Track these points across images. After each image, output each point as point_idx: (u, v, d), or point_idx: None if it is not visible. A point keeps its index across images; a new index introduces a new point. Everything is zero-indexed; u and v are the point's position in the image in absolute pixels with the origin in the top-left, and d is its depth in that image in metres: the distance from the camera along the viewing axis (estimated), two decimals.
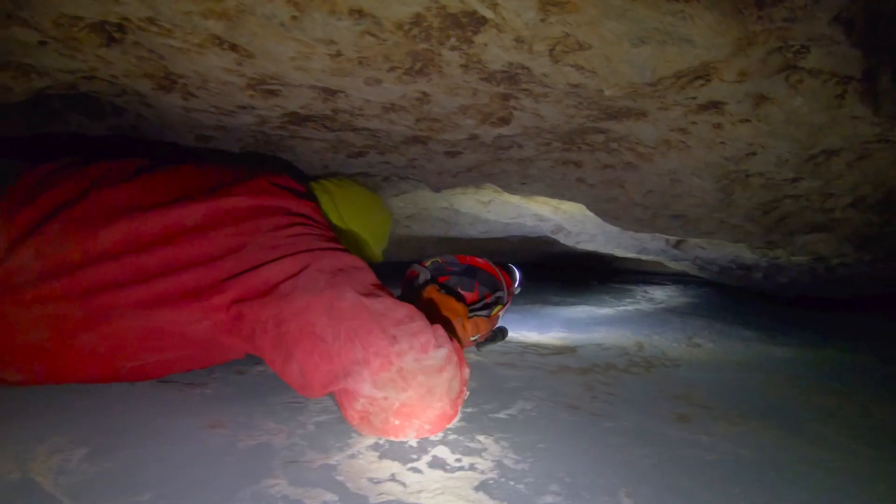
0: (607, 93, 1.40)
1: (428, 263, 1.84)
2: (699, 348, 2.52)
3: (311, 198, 1.58)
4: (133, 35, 1.26)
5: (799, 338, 2.96)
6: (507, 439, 1.33)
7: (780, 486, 1.20)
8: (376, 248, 1.82)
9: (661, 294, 4.47)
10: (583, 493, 1.10)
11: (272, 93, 1.53)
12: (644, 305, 3.90)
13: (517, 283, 1.95)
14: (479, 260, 1.87)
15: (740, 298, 4.25)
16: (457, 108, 1.59)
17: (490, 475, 1.15)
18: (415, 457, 1.20)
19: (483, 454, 1.24)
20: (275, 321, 1.19)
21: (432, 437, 1.29)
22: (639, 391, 1.78)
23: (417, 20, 1.19)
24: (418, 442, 1.26)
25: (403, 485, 1.08)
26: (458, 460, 1.20)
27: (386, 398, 1.16)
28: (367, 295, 1.21)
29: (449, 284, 1.82)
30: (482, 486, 1.10)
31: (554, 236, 3.84)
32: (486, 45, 1.26)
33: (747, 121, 1.56)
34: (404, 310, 1.22)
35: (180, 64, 1.37)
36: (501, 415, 1.49)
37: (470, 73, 1.38)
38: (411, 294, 1.71)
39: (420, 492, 1.06)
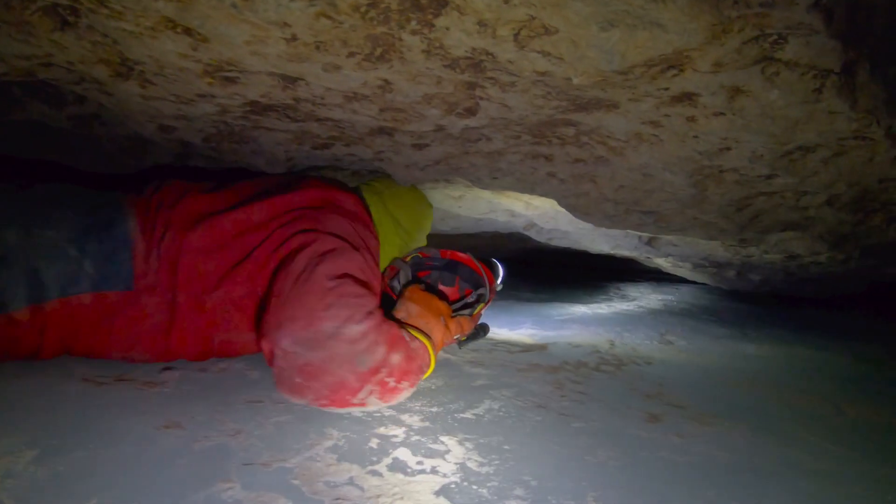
0: (575, 81, 1.34)
1: (409, 258, 1.84)
2: (671, 346, 2.51)
3: (356, 192, 1.84)
4: (86, 18, 1.23)
5: (771, 336, 2.97)
6: (471, 440, 1.29)
7: (754, 490, 1.17)
8: (420, 236, 2.14)
9: (634, 291, 4.48)
10: (549, 497, 1.07)
11: (230, 80, 1.48)
12: (617, 302, 3.90)
13: (500, 278, 1.93)
14: (462, 254, 1.84)
15: (713, 296, 4.26)
16: (421, 98, 1.53)
17: (452, 479, 1.12)
18: (375, 459, 1.16)
19: (446, 456, 1.21)
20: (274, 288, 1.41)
21: (394, 440, 1.25)
22: (609, 390, 1.75)
23: (374, 2, 1.13)
24: (379, 444, 1.22)
25: (361, 489, 1.05)
26: (420, 463, 1.17)
27: (295, 353, 1.26)
28: (332, 277, 1.36)
29: (429, 280, 1.81)
30: (443, 491, 1.07)
31: (526, 232, 3.82)
32: (447, 28, 1.20)
33: (721, 114, 1.51)
34: (355, 290, 1.36)
35: (135, 49, 1.33)
36: (467, 414, 1.45)
37: (432, 59, 1.33)
38: (391, 290, 1.77)
39: (378, 496, 1.03)
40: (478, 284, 1.81)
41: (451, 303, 1.75)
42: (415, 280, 1.76)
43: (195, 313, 1.53)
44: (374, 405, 1.34)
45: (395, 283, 1.76)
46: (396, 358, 1.34)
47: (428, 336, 1.51)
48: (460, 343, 1.78)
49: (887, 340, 3.05)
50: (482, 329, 1.83)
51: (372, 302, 1.37)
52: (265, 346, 1.34)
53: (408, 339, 1.42)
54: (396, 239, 1.98)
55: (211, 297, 1.53)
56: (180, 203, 1.60)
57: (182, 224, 1.55)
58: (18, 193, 1.53)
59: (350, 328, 1.27)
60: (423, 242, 2.17)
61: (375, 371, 1.30)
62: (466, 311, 1.76)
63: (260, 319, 1.44)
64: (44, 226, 1.46)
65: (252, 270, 1.53)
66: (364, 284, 1.42)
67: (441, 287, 1.81)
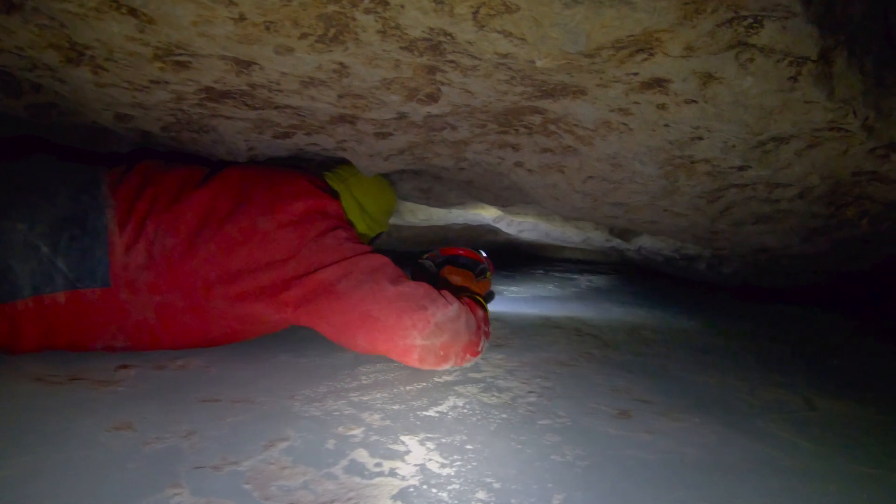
0: (539, 64, 1.28)
1: (424, 258, 2.26)
2: (641, 339, 2.48)
3: (334, 194, 1.97)
4: (31, 0, 1.20)
5: (740, 328, 2.96)
6: (433, 440, 1.26)
7: (726, 488, 1.14)
8: (384, 220, 2.33)
9: (604, 283, 4.47)
10: (512, 500, 1.04)
11: (182, 65, 1.43)
12: (587, 295, 3.88)
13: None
14: (459, 249, 2.29)
15: (684, 289, 4.26)
16: (379, 83, 1.47)
17: (411, 482, 1.08)
18: (331, 461, 1.13)
19: (406, 458, 1.17)
20: (339, 313, 1.60)
21: (353, 440, 1.22)
22: (577, 385, 1.72)
23: None
24: (336, 444, 1.19)
25: (315, 493, 1.00)
26: (378, 465, 1.13)
27: (432, 343, 1.63)
28: (396, 283, 1.66)
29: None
30: (401, 495, 1.03)
31: (496, 225, 3.80)
32: (402, 6, 1.13)
33: (693, 102, 1.46)
34: (423, 288, 1.70)
35: (82, 32, 1.28)
36: (430, 412, 1.42)
37: (389, 40, 1.26)
38: (424, 276, 2.16)
39: (332, 502, 0.99)
40: (476, 264, 2.25)
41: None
42: (445, 263, 2.20)
43: (190, 313, 1.62)
44: (486, 346, 1.84)
45: (427, 270, 2.19)
46: (480, 313, 1.86)
47: (477, 293, 2.04)
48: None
49: (854, 333, 3.06)
50: (491, 293, 2.27)
51: (430, 287, 1.73)
52: (393, 352, 1.64)
53: (465, 297, 1.90)
54: (362, 224, 2.16)
55: (211, 298, 1.61)
56: (177, 206, 1.64)
57: (183, 230, 1.61)
58: None
59: (450, 311, 1.68)
60: (386, 227, 2.40)
61: (479, 326, 1.80)
62: (482, 277, 2.23)
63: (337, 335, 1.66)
64: (16, 218, 1.46)
65: (262, 276, 1.62)
66: (408, 277, 1.77)
67: None
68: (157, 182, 1.68)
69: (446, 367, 1.71)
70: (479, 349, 1.78)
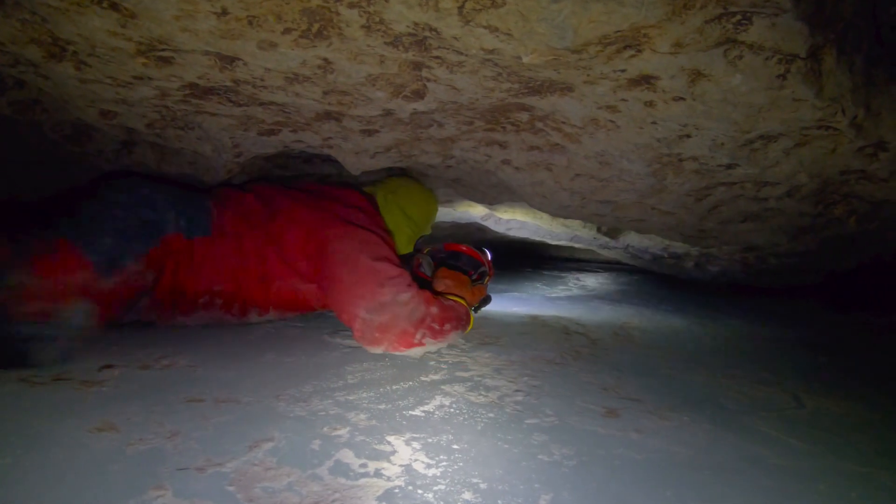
0: (525, 60, 1.27)
1: (426, 251, 2.38)
2: (629, 337, 2.48)
3: (370, 197, 2.39)
4: None
5: (728, 326, 2.97)
6: (419, 440, 1.24)
7: (715, 487, 1.13)
8: (427, 226, 2.62)
9: (592, 282, 4.47)
10: (498, 501, 1.02)
11: (165, 60, 1.42)
12: (575, 293, 3.88)
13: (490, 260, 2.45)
14: (462, 246, 2.36)
15: (672, 287, 4.27)
16: (364, 79, 1.46)
17: (397, 482, 1.06)
18: (316, 462, 1.11)
19: (391, 458, 1.15)
20: (327, 272, 2.02)
21: (338, 441, 1.20)
22: (565, 383, 1.71)
23: None
24: (321, 445, 1.18)
25: (300, 495, 0.98)
26: (364, 465, 1.11)
27: (370, 318, 1.82)
28: (375, 259, 1.93)
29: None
30: (387, 496, 1.01)
31: (484, 223, 3.80)
32: (387, 0, 1.13)
33: (681, 99, 1.45)
34: (395, 271, 1.92)
35: (64, 26, 1.27)
36: (417, 412, 1.41)
37: (373, 35, 1.25)
38: (420, 272, 2.29)
39: (317, 503, 0.96)
40: (477, 266, 2.33)
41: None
42: (442, 263, 2.29)
43: (259, 261, 2.11)
44: (431, 345, 1.90)
45: (425, 269, 2.28)
46: (434, 309, 1.91)
47: (462, 297, 2.12)
48: (475, 308, 2.29)
49: (843, 330, 3.07)
50: (487, 298, 2.36)
51: (407, 276, 1.94)
52: (345, 317, 1.92)
53: (441, 299, 2.02)
54: (407, 230, 2.46)
55: (268, 255, 2.12)
56: (256, 200, 2.20)
57: (262, 207, 2.17)
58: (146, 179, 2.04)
59: (401, 296, 1.85)
60: (429, 231, 2.67)
61: (422, 320, 1.87)
62: (479, 282, 2.31)
63: (324, 293, 2.10)
64: (155, 189, 1.97)
65: (308, 248, 2.10)
66: (396, 263, 1.98)
67: None
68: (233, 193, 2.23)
69: (379, 349, 1.86)
70: (414, 341, 1.86)
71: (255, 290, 2.13)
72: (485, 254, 2.40)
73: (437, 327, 1.90)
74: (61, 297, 1.55)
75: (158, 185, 2.00)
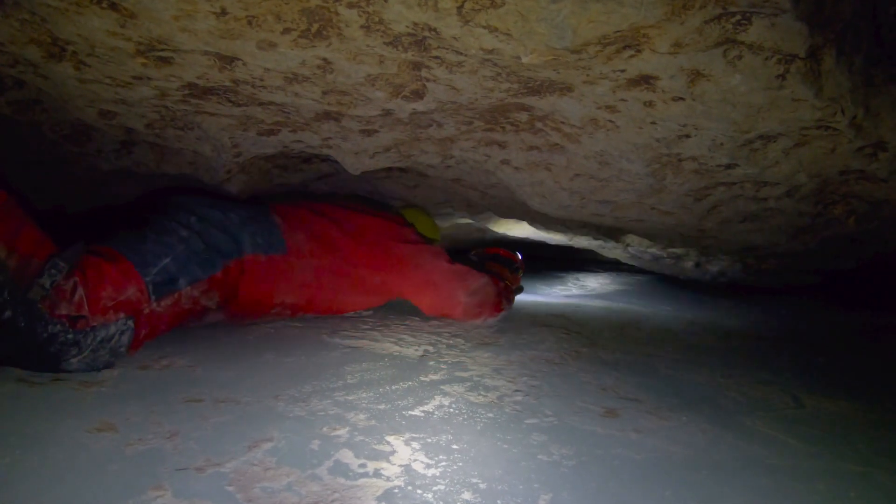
0: (525, 60, 1.27)
1: (472, 254, 3.01)
2: (628, 337, 2.48)
3: (410, 224, 2.78)
4: None
5: (727, 326, 2.97)
6: (418, 440, 1.24)
7: (713, 487, 1.12)
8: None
9: (592, 282, 4.47)
10: (498, 501, 1.02)
11: (165, 60, 1.42)
12: (575, 293, 3.88)
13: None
14: (500, 249, 2.98)
15: (672, 287, 4.27)
16: (364, 79, 1.46)
17: (396, 482, 1.05)
18: (316, 462, 1.11)
19: (391, 458, 1.15)
20: (414, 278, 2.48)
21: (337, 441, 1.20)
22: (564, 383, 1.71)
23: None
24: (321, 445, 1.17)
25: (299, 495, 0.98)
26: (363, 465, 1.11)
27: (471, 300, 2.48)
28: (448, 262, 2.52)
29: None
30: (386, 496, 1.00)
31: (485, 224, 3.81)
32: (386, 0, 1.13)
33: (681, 99, 1.45)
34: (465, 268, 2.55)
35: (63, 27, 1.27)
36: (416, 412, 1.40)
37: (373, 35, 1.25)
38: (469, 265, 2.72)
39: (316, 503, 0.96)
40: (512, 263, 2.92)
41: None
42: (486, 261, 2.92)
43: (336, 274, 2.38)
44: (507, 309, 2.70)
45: (476, 266, 2.76)
46: (502, 286, 2.68)
47: (507, 281, 2.81)
48: (515, 291, 2.93)
49: (843, 330, 3.07)
50: (521, 287, 3.00)
51: (472, 269, 2.57)
52: (444, 307, 2.52)
53: (499, 282, 2.68)
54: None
55: (349, 266, 2.41)
56: (323, 217, 2.45)
57: (334, 227, 2.42)
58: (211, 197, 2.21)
59: (483, 281, 2.54)
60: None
61: (500, 294, 2.62)
62: (516, 273, 2.93)
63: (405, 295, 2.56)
64: (225, 208, 2.12)
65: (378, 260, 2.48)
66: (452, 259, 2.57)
67: None
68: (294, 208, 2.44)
69: (479, 320, 2.53)
70: (502, 308, 2.63)
71: (324, 305, 2.41)
72: (517, 254, 2.99)
73: (509, 297, 2.74)
74: (107, 311, 1.53)
75: (227, 205, 2.14)
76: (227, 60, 1.41)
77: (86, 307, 1.48)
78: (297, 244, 2.26)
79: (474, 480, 1.08)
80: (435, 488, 1.04)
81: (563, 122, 1.70)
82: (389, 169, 2.72)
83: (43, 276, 1.42)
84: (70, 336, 1.44)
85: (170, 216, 1.90)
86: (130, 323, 1.58)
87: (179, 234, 1.85)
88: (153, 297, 1.67)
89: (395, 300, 2.58)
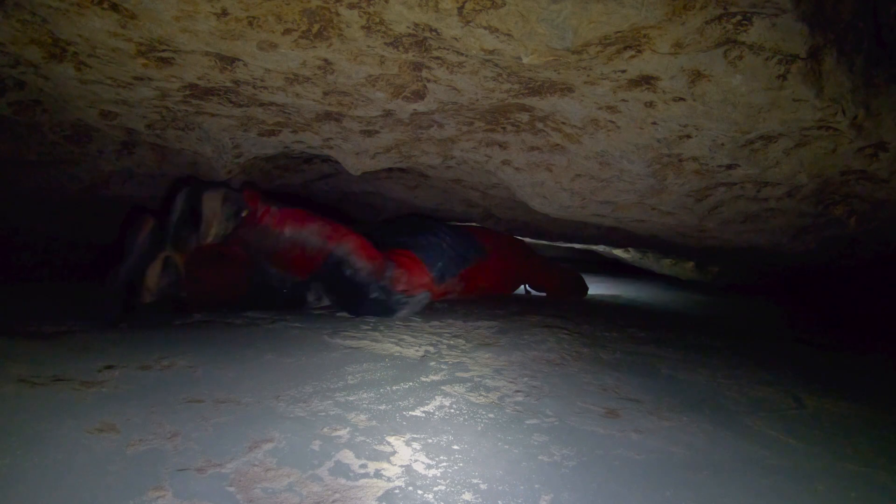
0: (525, 60, 1.26)
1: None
2: (629, 338, 2.47)
3: None
4: None
5: (727, 325, 2.96)
6: (419, 440, 1.24)
7: (713, 488, 1.12)
8: None
9: (592, 281, 4.47)
10: (499, 502, 1.02)
11: (165, 61, 1.42)
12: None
13: None
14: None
15: (672, 287, 4.27)
16: (364, 79, 1.46)
17: (397, 483, 1.06)
18: (316, 462, 1.11)
19: (391, 458, 1.15)
20: (537, 275, 4.23)
21: (338, 441, 1.20)
22: (565, 384, 1.70)
23: None
24: (321, 445, 1.18)
25: (300, 496, 0.99)
26: (364, 466, 1.11)
27: (567, 284, 4.32)
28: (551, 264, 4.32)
29: None
30: (387, 497, 1.01)
31: (484, 223, 3.82)
32: (387, 1, 1.12)
33: (681, 100, 1.45)
34: (556, 266, 4.62)
35: (64, 27, 1.27)
36: (417, 412, 1.40)
37: (373, 36, 1.25)
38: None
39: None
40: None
41: None
42: None
43: (503, 272, 3.79)
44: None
45: None
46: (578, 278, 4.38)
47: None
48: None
49: (842, 331, 3.06)
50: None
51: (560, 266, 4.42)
52: (549, 291, 4.12)
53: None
54: None
55: (512, 273, 3.92)
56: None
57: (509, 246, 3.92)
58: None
59: (573, 273, 4.41)
60: None
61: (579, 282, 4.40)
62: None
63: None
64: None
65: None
66: None
67: None
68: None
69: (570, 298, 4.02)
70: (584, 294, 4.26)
71: (503, 288, 3.87)
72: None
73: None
74: (417, 287, 2.86)
75: (456, 228, 3.52)
76: (228, 61, 1.41)
77: (409, 286, 2.80)
78: (496, 254, 3.55)
79: (475, 481, 1.08)
80: (436, 489, 1.04)
81: (563, 123, 1.70)
82: (390, 169, 2.73)
83: (388, 271, 2.79)
84: (405, 300, 2.75)
85: (437, 234, 3.22)
86: (428, 294, 2.91)
87: (442, 247, 3.15)
88: (436, 283, 3.03)
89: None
